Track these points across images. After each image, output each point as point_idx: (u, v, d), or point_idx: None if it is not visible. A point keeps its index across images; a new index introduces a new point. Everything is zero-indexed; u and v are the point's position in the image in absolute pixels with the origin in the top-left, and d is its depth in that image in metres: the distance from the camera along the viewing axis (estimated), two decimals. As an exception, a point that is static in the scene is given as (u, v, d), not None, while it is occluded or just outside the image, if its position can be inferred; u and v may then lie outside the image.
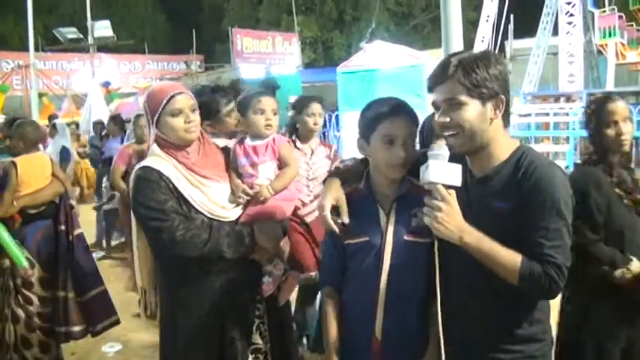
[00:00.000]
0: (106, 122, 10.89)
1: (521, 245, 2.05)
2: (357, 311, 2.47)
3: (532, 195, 2.05)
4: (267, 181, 2.97)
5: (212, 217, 2.82)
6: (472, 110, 2.10)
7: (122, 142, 9.05)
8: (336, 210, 2.45)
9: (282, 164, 3.05)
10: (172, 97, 2.77)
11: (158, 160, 2.80)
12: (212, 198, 2.84)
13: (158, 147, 2.85)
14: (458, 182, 2.08)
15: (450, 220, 2.05)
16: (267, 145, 3.02)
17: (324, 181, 2.67)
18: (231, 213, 2.89)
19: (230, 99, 3.45)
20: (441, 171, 2.06)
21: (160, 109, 2.77)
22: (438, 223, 2.05)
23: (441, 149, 2.12)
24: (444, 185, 2.06)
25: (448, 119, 2.14)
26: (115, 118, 10.00)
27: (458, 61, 2.12)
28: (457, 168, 2.08)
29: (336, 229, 2.42)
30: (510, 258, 2.05)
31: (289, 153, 3.10)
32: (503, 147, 2.19)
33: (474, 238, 2.07)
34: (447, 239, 2.08)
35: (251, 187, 2.93)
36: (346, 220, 2.42)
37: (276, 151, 3.03)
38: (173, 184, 2.75)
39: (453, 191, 2.08)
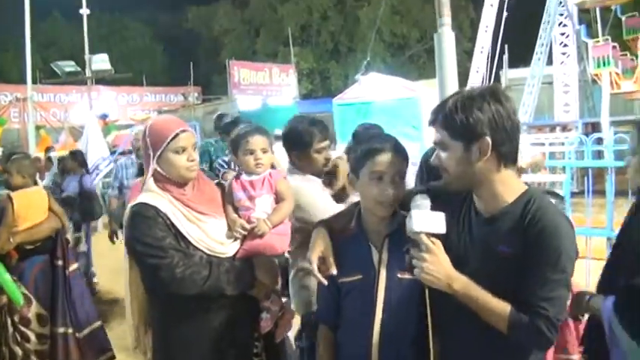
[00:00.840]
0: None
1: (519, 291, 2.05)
2: (353, 349, 2.46)
3: (535, 243, 2.02)
4: (264, 215, 2.96)
5: (210, 253, 2.80)
6: (454, 153, 2.12)
7: (80, 179, 8.56)
8: (324, 261, 2.46)
9: (278, 199, 3.05)
10: (177, 134, 2.77)
11: (154, 197, 2.78)
12: (210, 234, 2.82)
13: (154, 182, 2.83)
14: (442, 230, 2.11)
15: (436, 269, 2.07)
16: (264, 179, 3.03)
17: (312, 229, 2.67)
18: (229, 249, 2.87)
19: (325, 137, 3.41)
20: (424, 220, 2.10)
21: (164, 146, 2.76)
22: (425, 274, 2.07)
23: (423, 199, 2.17)
24: (429, 234, 2.09)
25: (437, 161, 2.19)
26: (75, 154, 9.29)
27: (445, 103, 2.14)
28: (440, 216, 2.12)
29: (325, 282, 2.43)
30: (499, 307, 2.05)
31: (286, 188, 3.09)
32: (507, 189, 2.15)
33: (462, 285, 2.08)
34: (436, 287, 2.10)
35: (248, 221, 2.93)
36: (334, 271, 2.43)
37: (272, 185, 3.02)
38: (170, 221, 2.74)
39: (437, 240, 2.10)
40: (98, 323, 5.14)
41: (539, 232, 2.02)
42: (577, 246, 2.10)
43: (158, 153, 2.77)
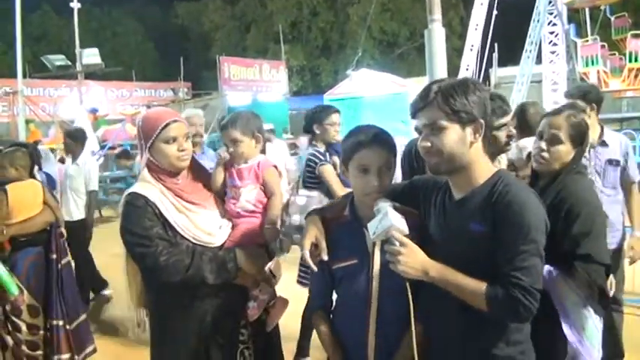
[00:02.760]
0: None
1: (494, 266, 2.11)
2: (348, 333, 2.52)
3: (504, 217, 2.10)
4: (248, 204, 3.01)
5: (197, 242, 2.84)
6: (452, 134, 2.17)
7: None
8: (316, 247, 2.51)
9: (266, 190, 3.08)
10: (168, 124, 2.80)
11: (145, 186, 2.84)
12: (198, 224, 2.86)
13: (148, 172, 2.88)
14: (406, 229, 2.19)
15: (411, 260, 2.16)
16: (252, 168, 3.06)
17: (305, 218, 2.72)
18: (217, 239, 2.91)
19: (505, 111, 3.27)
20: (397, 217, 2.19)
21: (155, 135, 2.80)
22: (402, 266, 2.15)
23: (384, 202, 2.28)
24: (399, 230, 2.18)
25: (429, 144, 2.22)
26: None
27: (438, 87, 2.20)
28: (401, 217, 2.21)
29: (315, 268, 2.48)
30: (476, 286, 2.11)
31: (274, 179, 3.10)
32: (482, 171, 2.25)
33: (438, 271, 2.16)
34: (414, 277, 2.18)
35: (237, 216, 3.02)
36: (325, 257, 2.48)
37: (259, 176, 3.06)
38: (159, 210, 2.78)
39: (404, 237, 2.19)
40: (84, 316, 5.21)
41: (507, 205, 2.10)
42: (546, 219, 2.17)
43: (150, 143, 2.82)
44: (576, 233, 2.72)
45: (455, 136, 2.18)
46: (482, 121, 2.18)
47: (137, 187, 2.85)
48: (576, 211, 2.73)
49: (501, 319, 2.17)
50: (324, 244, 2.50)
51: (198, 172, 3.06)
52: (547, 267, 2.66)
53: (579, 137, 2.96)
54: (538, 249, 2.10)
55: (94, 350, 5.18)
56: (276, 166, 3.15)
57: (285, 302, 3.15)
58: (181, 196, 2.87)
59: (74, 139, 7.63)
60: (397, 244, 2.16)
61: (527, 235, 2.07)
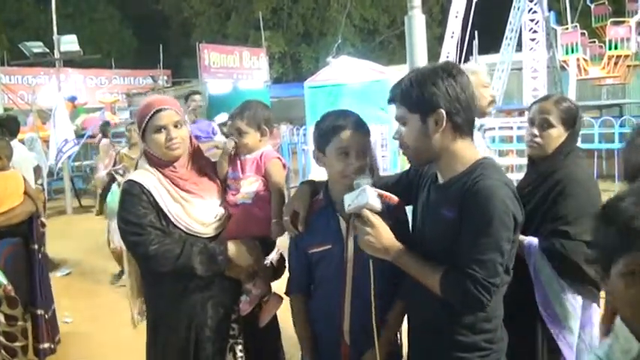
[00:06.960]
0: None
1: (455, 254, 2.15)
2: (324, 316, 2.59)
3: (470, 206, 2.11)
4: (247, 197, 2.98)
5: (189, 232, 2.83)
6: (412, 127, 2.23)
7: None
8: (297, 216, 2.59)
9: (268, 182, 3.02)
10: (155, 112, 2.79)
11: (142, 173, 2.85)
12: (192, 214, 2.85)
13: (146, 160, 2.90)
14: (379, 207, 2.27)
15: (377, 241, 2.23)
16: (254, 159, 3.03)
17: (300, 184, 2.78)
18: (210, 229, 2.90)
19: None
20: (372, 196, 2.26)
21: (144, 125, 2.80)
22: (367, 245, 2.24)
23: (365, 178, 2.33)
24: (370, 209, 2.25)
25: (399, 137, 2.30)
26: None
27: (402, 81, 2.26)
28: (377, 195, 2.29)
29: (294, 231, 2.60)
30: (432, 272, 2.17)
31: (277, 171, 3.04)
32: (462, 158, 2.24)
33: (398, 254, 2.23)
34: (377, 256, 2.27)
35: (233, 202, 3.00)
36: (301, 228, 2.57)
37: (261, 167, 3.02)
38: (153, 198, 2.78)
39: (376, 215, 2.26)
40: (54, 304, 5.24)
41: (474, 194, 2.10)
42: (516, 214, 2.14)
43: (141, 133, 2.83)
44: (563, 213, 2.80)
45: (416, 129, 2.23)
46: (442, 111, 2.17)
47: (135, 175, 2.87)
48: (567, 192, 2.81)
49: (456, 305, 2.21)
50: (303, 215, 2.60)
51: (200, 161, 3.04)
52: (528, 239, 2.78)
53: (571, 120, 3.02)
54: (498, 244, 2.08)
55: (59, 339, 5.26)
56: (280, 158, 3.12)
57: (279, 299, 3.09)
58: (178, 184, 2.86)
59: (1, 127, 7.46)
60: (367, 222, 2.23)
61: (488, 227, 2.07)
